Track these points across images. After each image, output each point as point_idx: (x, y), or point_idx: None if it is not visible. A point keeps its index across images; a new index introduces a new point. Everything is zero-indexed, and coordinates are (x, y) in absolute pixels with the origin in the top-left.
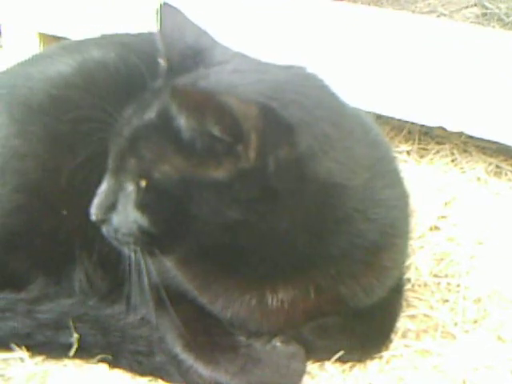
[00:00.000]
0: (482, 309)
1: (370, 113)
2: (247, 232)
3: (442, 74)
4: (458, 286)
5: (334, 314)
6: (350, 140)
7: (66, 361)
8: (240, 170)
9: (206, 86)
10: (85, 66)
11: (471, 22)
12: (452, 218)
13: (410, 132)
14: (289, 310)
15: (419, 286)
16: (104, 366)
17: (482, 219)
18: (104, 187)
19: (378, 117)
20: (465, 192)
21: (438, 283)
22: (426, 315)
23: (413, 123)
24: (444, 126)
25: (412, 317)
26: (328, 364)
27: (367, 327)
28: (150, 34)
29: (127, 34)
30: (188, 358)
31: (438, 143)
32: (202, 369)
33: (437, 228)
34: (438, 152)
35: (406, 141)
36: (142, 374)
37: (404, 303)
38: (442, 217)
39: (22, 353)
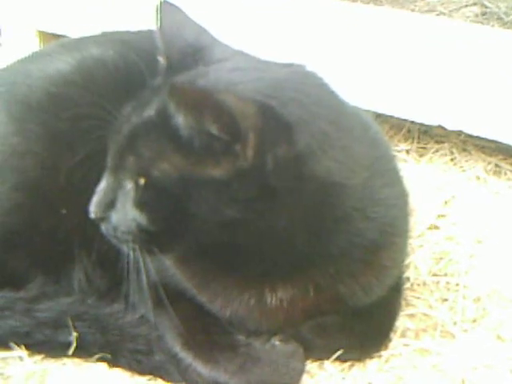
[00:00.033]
0: (481, 308)
1: (369, 111)
2: (246, 230)
3: (441, 73)
4: (458, 285)
5: (333, 312)
6: (349, 139)
7: (65, 359)
8: (238, 169)
9: (204, 85)
10: (84, 63)
11: (470, 21)
12: (451, 216)
13: (409, 131)
14: (288, 309)
15: (418, 284)
16: (103, 365)
17: (482, 218)
18: (103, 185)
19: (378, 115)
20: (464, 191)
21: (438, 282)
22: (425, 314)
23: (412, 122)
24: (443, 125)
25: (411, 316)
26: (327, 363)
27: (366, 326)
28: (150, 31)
29: (127, 32)
30: (187, 357)
31: (438, 142)
32: (201, 368)
33: (436, 227)
34: (437, 151)
35: (406, 139)
36: (141, 372)
37: (403, 302)
38: (442, 216)
39: (21, 351)
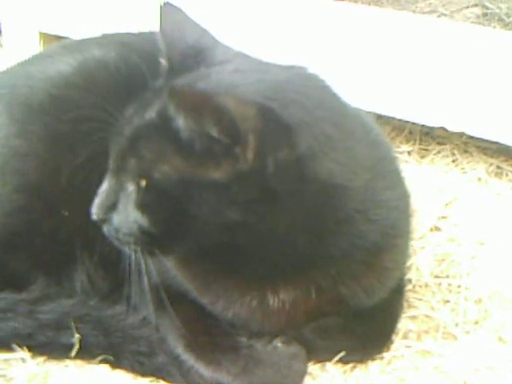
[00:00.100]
0: (482, 309)
1: (370, 113)
2: (247, 233)
3: (442, 75)
4: (459, 286)
5: (335, 314)
6: (350, 140)
7: (68, 361)
8: (238, 171)
9: (203, 87)
10: (85, 65)
11: (472, 22)
12: (453, 218)
13: (410, 132)
14: (290, 311)
15: (420, 286)
16: (105, 367)
17: (483, 220)
18: (105, 187)
19: (379, 117)
20: (466, 192)
21: (439, 284)
22: (426, 316)
23: (414, 123)
24: (445, 127)
25: (413, 317)
26: (329, 365)
27: (368, 328)
28: (151, 33)
29: (128, 34)
30: (189, 359)
31: (439, 143)
32: (204, 369)
33: (438, 228)
34: (438, 152)
35: (407, 141)
36: (144, 374)
37: (405, 304)
38: (443, 217)
39: (23, 353)
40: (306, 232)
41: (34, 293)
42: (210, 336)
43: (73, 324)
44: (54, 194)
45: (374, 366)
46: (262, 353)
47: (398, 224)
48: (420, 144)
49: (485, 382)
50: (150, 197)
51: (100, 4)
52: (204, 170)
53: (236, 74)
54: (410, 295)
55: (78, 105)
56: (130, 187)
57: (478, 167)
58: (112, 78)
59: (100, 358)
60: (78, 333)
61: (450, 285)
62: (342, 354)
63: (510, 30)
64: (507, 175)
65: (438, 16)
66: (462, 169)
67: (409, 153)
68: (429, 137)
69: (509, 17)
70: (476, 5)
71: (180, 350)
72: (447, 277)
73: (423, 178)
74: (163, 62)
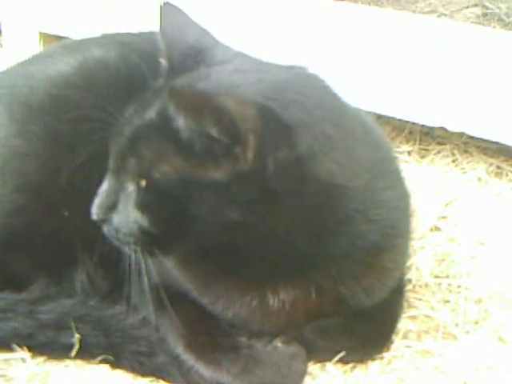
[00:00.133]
0: (482, 309)
1: (370, 113)
2: (247, 233)
3: (442, 75)
4: (459, 286)
5: (335, 314)
6: (350, 141)
7: (68, 361)
8: (238, 171)
9: (203, 87)
10: (85, 65)
11: (472, 22)
12: (453, 218)
13: (410, 132)
14: (290, 311)
15: (420, 286)
16: (105, 367)
17: (483, 220)
18: (105, 187)
19: (379, 117)
20: (466, 192)
21: (439, 284)
22: (426, 316)
23: (414, 123)
24: (445, 127)
25: (413, 317)
26: (329, 365)
27: (368, 328)
28: (151, 33)
29: (128, 34)
30: (189, 359)
31: (439, 143)
32: (204, 369)
33: (438, 228)
34: (438, 152)
35: (407, 141)
36: (144, 374)
37: (405, 304)
38: (443, 217)
39: (23, 353)
40: (306, 232)
41: (34, 293)
42: (210, 336)
43: (73, 324)
44: (54, 194)
45: (374, 366)
46: (262, 353)
47: (398, 224)
48: (420, 144)
49: (485, 382)
50: (150, 197)
51: (100, 4)
52: (204, 169)
53: (236, 74)
54: (410, 295)
55: (77, 105)
56: (130, 187)
57: (478, 167)
58: (112, 78)
59: (100, 358)
60: (78, 333)
61: (449, 285)
62: (342, 353)
63: (509, 29)
64: (507, 175)
65: (438, 16)
66: (462, 169)
67: (409, 153)
68: (429, 137)
69: (509, 17)
70: (476, 5)
71: (180, 350)
72: (447, 277)
73: (423, 178)
74: (163, 61)
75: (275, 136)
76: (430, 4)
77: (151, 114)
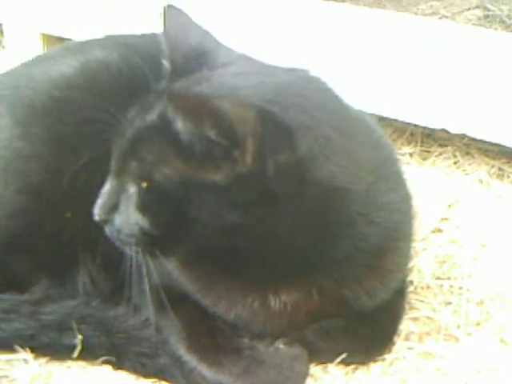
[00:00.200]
0: (484, 311)
1: (372, 115)
2: (247, 235)
3: (444, 76)
4: (461, 288)
5: (337, 316)
6: (352, 143)
7: (70, 362)
8: (238, 174)
9: (204, 90)
10: (88, 67)
11: (473, 24)
12: (455, 220)
13: (412, 134)
14: (292, 313)
15: (422, 288)
16: (108, 368)
17: (485, 221)
18: (107, 188)
19: (381, 119)
20: (467, 194)
21: (441, 285)
22: (428, 318)
23: (415, 125)
24: (447, 129)
25: (415, 319)
26: (331, 366)
27: (370, 330)
28: (154, 35)
29: (131, 35)
30: (191, 360)
31: (441, 145)
32: (206, 370)
33: (439, 230)
34: (440, 154)
35: (409, 143)
36: (146, 375)
37: (407, 306)
38: (445, 219)
39: (25, 354)
40: (307, 234)
41: (37, 294)
42: (212, 337)
43: (75, 325)
44: (57, 196)
45: (375, 368)
46: (264, 354)
47: (400, 226)
48: (422, 146)
49: None
50: (151, 199)
51: (101, 5)
52: (204, 172)
53: (238, 76)
54: (411, 297)
55: (80, 106)
56: (131, 189)
57: (480, 169)
58: (114, 80)
59: (102, 359)
60: (81, 334)
61: (451, 286)
62: (343, 355)
63: (511, 31)
64: (509, 177)
65: (440, 18)
66: (464, 171)
67: (410, 155)
68: (430, 139)
69: (510, 19)
70: (477, 7)
71: (182, 351)
72: (449, 278)
73: (425, 180)
74: (166, 63)
75: (275, 139)
76: (432, 6)
77: (152, 116)
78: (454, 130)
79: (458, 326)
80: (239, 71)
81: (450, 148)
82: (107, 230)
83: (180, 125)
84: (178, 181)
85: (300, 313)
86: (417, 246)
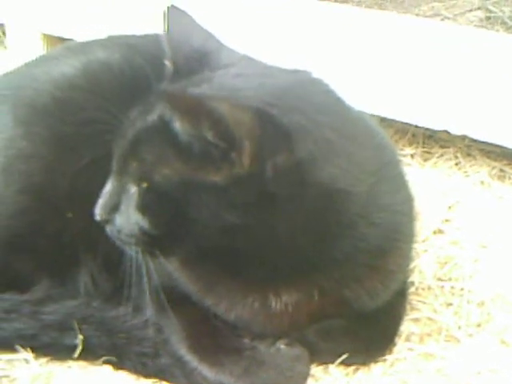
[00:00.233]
0: (485, 312)
1: (374, 116)
2: (247, 235)
3: (445, 78)
4: (462, 289)
5: (338, 316)
6: (353, 145)
7: (71, 362)
8: (236, 175)
9: (200, 91)
10: (89, 67)
11: (475, 26)
12: (456, 221)
13: (413, 135)
14: (292, 313)
15: (423, 289)
16: (108, 368)
17: (486, 223)
18: (108, 188)
19: (382, 120)
20: (468, 195)
21: (442, 287)
22: (429, 319)
23: (417, 126)
24: (448, 130)
25: (416, 320)
26: (332, 367)
27: (371, 330)
28: (156, 35)
29: (133, 36)
30: (192, 360)
31: (442, 147)
32: (207, 371)
33: (441, 231)
34: (441, 155)
35: (410, 144)
36: (147, 375)
37: (408, 306)
38: (446, 220)
39: (26, 354)
40: (307, 235)
41: (38, 294)
42: (213, 337)
43: (76, 325)
44: (58, 196)
45: (376, 369)
46: (264, 354)
47: (401, 228)
48: (423, 147)
49: None
50: (151, 199)
51: (103, 6)
52: (204, 173)
53: (239, 77)
54: (412, 298)
55: (81, 107)
56: (132, 189)
57: (481, 170)
58: (116, 80)
59: (103, 359)
60: (82, 334)
61: (452, 288)
62: (344, 356)
63: None
64: (510, 178)
65: (442, 19)
66: (465, 172)
67: (412, 156)
68: (432, 140)
69: None
70: (479, 8)
71: (183, 351)
72: (450, 280)
73: (426, 181)
74: (168, 64)
75: (273, 141)
76: (433, 7)
77: (153, 117)
78: (455, 131)
79: (459, 327)
80: (240, 72)
81: (451, 149)
82: (108, 229)
83: (178, 125)
84: (178, 181)
85: (301, 313)
86: (418, 247)
